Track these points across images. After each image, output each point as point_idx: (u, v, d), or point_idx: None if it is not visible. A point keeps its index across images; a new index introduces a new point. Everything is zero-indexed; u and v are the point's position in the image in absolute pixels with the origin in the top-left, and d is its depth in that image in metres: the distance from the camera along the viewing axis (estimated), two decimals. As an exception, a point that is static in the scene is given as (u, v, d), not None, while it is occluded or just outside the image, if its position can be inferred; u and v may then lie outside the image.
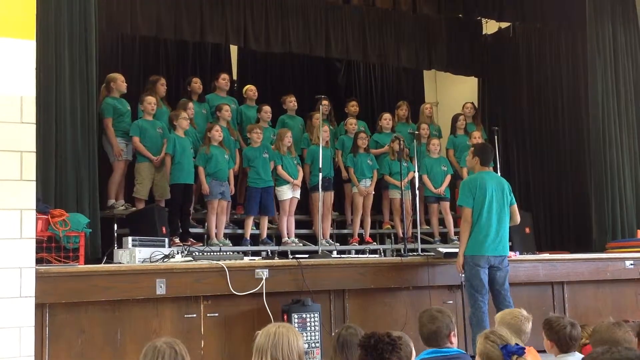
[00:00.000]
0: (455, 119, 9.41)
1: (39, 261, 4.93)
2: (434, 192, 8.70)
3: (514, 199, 6.10)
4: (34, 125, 4.81)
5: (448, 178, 8.79)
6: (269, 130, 8.44)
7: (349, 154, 8.63)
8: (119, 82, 7.59)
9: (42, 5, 5.55)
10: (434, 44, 10.74)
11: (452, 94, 11.84)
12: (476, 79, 11.41)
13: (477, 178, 6.08)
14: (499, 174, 7.83)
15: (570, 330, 3.77)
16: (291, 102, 8.94)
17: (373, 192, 8.63)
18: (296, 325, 5.39)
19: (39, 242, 4.93)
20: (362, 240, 8.56)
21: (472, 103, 9.86)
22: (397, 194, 8.48)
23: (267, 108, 8.57)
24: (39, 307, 4.77)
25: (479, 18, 10.78)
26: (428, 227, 8.88)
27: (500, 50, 11.11)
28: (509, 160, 10.31)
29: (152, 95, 7.72)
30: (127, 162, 7.58)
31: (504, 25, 10.91)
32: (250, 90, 8.85)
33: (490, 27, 11.19)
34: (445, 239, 8.86)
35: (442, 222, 8.94)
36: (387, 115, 9.20)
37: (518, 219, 6.13)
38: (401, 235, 8.36)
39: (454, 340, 3.73)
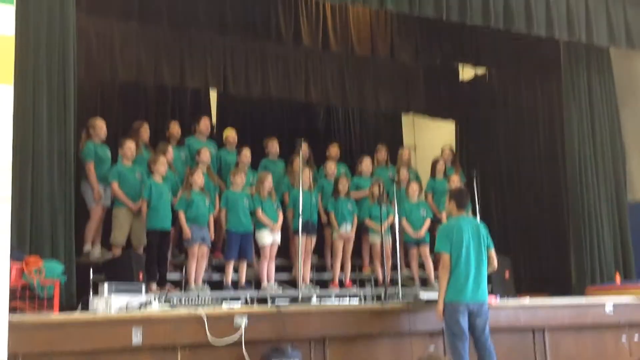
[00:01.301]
0: (434, 163, 9.46)
1: (12, 310, 4.81)
2: (412, 236, 8.68)
3: (491, 243, 6.06)
4: (10, 171, 4.73)
5: (427, 222, 8.79)
6: (249, 174, 8.41)
7: (330, 197, 8.62)
8: (98, 128, 7.57)
9: (20, 50, 5.53)
10: (412, 88, 10.89)
11: (430, 137, 11.94)
12: (454, 123, 11.54)
13: (454, 224, 6.09)
14: (477, 217, 7.89)
15: None
16: (273, 147, 8.94)
17: (353, 237, 8.59)
18: (276, 374, 5.30)
19: (12, 291, 4.82)
20: (342, 285, 8.49)
21: (450, 148, 9.94)
22: (377, 239, 8.45)
23: (246, 152, 8.55)
24: (12, 357, 4.62)
25: (456, 63, 10.94)
26: (408, 269, 8.85)
27: (477, 95, 11.28)
28: (487, 203, 10.35)
29: (133, 140, 7.69)
30: (105, 209, 7.50)
31: (480, 71, 11.10)
32: (230, 136, 8.84)
33: (466, 72, 11.38)
34: (425, 283, 8.82)
35: (422, 266, 8.91)
36: (367, 160, 9.22)
37: (495, 264, 6.07)
38: (381, 280, 8.32)
39: None
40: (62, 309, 5.45)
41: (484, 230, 6.06)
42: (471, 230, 5.97)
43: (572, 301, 7.45)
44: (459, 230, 5.95)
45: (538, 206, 10.11)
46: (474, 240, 5.93)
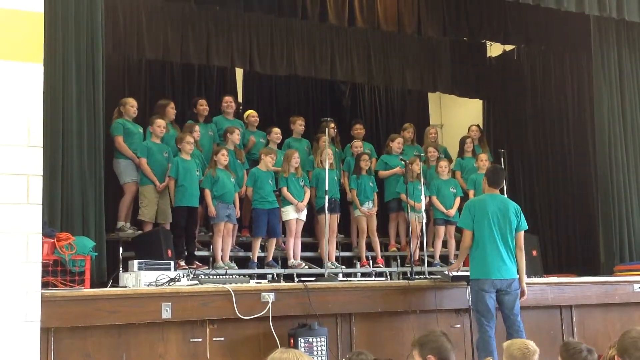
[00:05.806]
0: (462, 141, 9.38)
1: (44, 285, 4.90)
2: (445, 212, 8.62)
3: (523, 224, 6.02)
4: (41, 149, 4.80)
5: (458, 200, 8.71)
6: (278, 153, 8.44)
7: (352, 175, 8.61)
8: (128, 106, 7.66)
9: (49, 29, 5.58)
10: (439, 66, 10.80)
11: (457, 116, 11.85)
12: (481, 101, 11.43)
13: (478, 200, 6.11)
14: (505, 195, 7.82)
15: (586, 356, 3.71)
16: (300, 126, 8.95)
17: (375, 213, 8.57)
18: (303, 349, 5.34)
19: (44, 266, 4.90)
20: (373, 262, 8.48)
21: (478, 125, 9.85)
22: (412, 216, 8.37)
23: (276, 130, 8.60)
24: (44, 331, 4.73)
25: (484, 41, 10.81)
26: (432, 249, 8.82)
27: (505, 72, 11.15)
28: (514, 182, 10.28)
29: (162, 118, 7.75)
30: (138, 185, 7.57)
31: (509, 47, 10.96)
32: (252, 116, 8.87)
33: (494, 49, 11.24)
34: (446, 262, 8.78)
35: (446, 244, 8.87)
36: (400, 139, 9.16)
37: (521, 247, 6.00)
38: (408, 258, 8.31)
39: None
40: (93, 284, 5.53)
41: (513, 209, 5.99)
42: (497, 207, 5.93)
43: (600, 279, 7.40)
44: (483, 206, 5.93)
45: (566, 185, 10.01)
46: (500, 218, 5.90)
